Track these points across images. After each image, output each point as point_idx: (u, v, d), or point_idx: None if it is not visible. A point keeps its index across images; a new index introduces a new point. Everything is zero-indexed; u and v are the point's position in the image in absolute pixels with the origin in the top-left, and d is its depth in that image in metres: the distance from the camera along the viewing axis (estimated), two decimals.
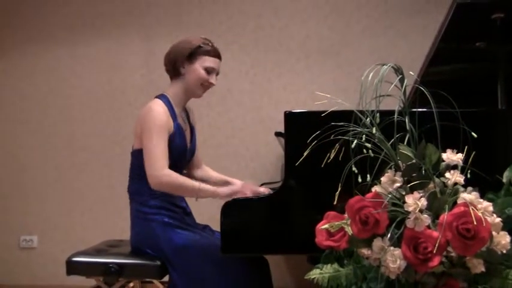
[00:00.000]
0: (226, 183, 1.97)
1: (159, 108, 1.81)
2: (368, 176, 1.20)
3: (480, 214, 1.07)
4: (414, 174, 1.18)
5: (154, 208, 1.83)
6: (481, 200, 1.14)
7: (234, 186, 1.86)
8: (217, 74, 1.91)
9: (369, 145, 1.20)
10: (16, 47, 3.14)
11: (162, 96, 1.89)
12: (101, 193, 3.06)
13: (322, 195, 1.36)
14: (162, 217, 1.83)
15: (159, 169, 1.74)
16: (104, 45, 3.09)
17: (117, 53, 3.08)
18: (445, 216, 1.08)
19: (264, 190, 1.86)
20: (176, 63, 1.86)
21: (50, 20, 3.11)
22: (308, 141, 1.32)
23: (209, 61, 1.86)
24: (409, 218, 1.11)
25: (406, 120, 1.20)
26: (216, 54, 1.88)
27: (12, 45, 3.14)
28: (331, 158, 1.25)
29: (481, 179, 1.21)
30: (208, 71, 1.86)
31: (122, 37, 3.08)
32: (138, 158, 1.85)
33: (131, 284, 2.11)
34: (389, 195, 1.17)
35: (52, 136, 3.11)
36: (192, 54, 1.85)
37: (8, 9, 3.13)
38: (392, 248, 1.12)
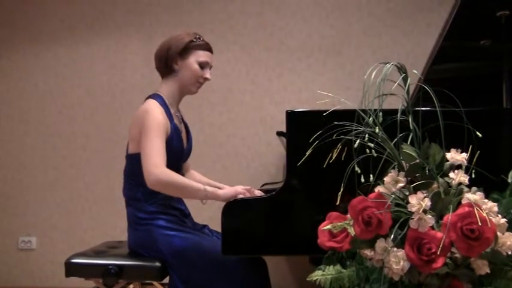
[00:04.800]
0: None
1: (156, 108, 1.75)
2: (371, 176, 1.19)
3: (485, 215, 1.06)
4: (418, 174, 1.17)
5: (151, 213, 1.78)
6: (486, 201, 1.13)
7: (236, 188, 1.77)
8: (210, 67, 1.87)
9: (371, 145, 1.19)
10: (16, 46, 3.12)
11: (156, 96, 1.80)
12: (100, 194, 3.03)
13: (324, 196, 1.37)
14: (159, 221, 1.78)
15: (157, 166, 1.64)
16: (104, 44, 3.08)
17: (117, 53, 3.07)
18: (449, 217, 1.08)
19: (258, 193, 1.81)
20: (168, 60, 1.81)
21: (50, 19, 3.10)
22: (310, 140, 1.32)
23: (203, 55, 1.82)
24: (412, 218, 1.10)
25: (410, 120, 1.19)
26: (208, 47, 1.85)
27: (13, 44, 3.13)
28: (334, 157, 1.24)
29: (486, 179, 1.20)
30: (202, 65, 1.82)
31: (122, 37, 3.07)
32: (132, 162, 1.79)
33: (131, 286, 2.09)
34: (393, 196, 1.16)
35: (51, 136, 3.09)
36: (185, 50, 1.80)
37: (8, 9, 3.13)
38: (395, 249, 1.11)
